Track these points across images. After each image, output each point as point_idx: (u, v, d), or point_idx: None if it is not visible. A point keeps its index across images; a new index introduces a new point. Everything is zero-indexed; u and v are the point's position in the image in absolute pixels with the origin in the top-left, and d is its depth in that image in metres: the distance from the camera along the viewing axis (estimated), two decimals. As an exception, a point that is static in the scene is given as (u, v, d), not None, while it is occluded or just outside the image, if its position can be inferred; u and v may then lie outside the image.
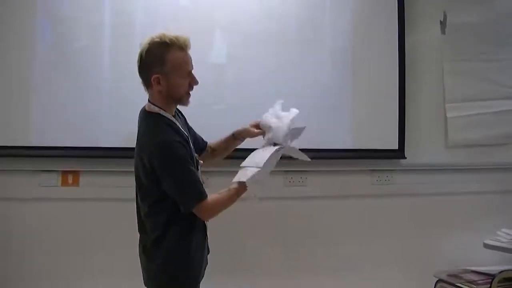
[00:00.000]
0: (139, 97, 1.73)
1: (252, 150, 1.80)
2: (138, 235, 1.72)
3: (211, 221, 1.78)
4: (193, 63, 1.68)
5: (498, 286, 2.43)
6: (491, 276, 2.46)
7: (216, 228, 1.85)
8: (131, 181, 1.71)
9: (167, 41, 1.61)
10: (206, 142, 1.95)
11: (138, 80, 1.69)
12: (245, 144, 1.94)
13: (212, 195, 1.63)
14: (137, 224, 1.72)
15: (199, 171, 1.73)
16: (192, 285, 1.70)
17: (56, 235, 2.46)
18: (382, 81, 2.74)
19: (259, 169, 1.64)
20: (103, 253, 2.48)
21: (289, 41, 2.62)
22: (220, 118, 2.45)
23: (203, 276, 1.76)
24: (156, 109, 1.65)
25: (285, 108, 1.88)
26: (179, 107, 1.76)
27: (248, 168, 1.67)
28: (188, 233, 1.66)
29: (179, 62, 1.63)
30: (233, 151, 1.99)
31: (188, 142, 1.66)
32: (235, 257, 2.58)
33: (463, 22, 2.86)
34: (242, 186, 1.66)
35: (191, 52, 1.67)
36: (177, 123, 1.68)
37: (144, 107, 1.70)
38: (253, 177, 1.63)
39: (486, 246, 2.64)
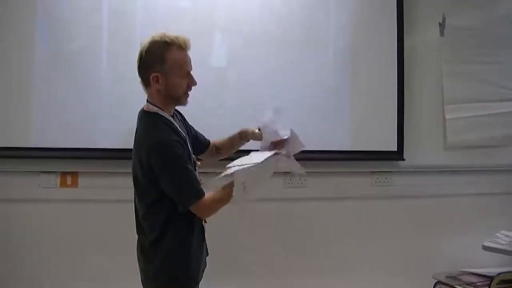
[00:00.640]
0: (138, 98, 1.73)
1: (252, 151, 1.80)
2: (137, 236, 1.72)
3: (210, 223, 1.78)
4: (192, 64, 1.69)
5: (497, 288, 2.44)
6: (490, 278, 2.46)
7: (215, 230, 1.85)
8: (130, 182, 1.71)
9: (168, 40, 1.62)
10: (209, 141, 1.95)
11: (137, 81, 1.69)
12: (247, 145, 1.94)
13: (209, 193, 1.63)
14: (135, 225, 1.72)
15: (197, 171, 1.73)
16: (191, 285, 1.70)
17: (55, 236, 2.46)
18: (381, 82, 2.75)
19: (253, 164, 1.59)
20: (101, 254, 2.48)
21: (288, 42, 2.63)
22: (220, 119, 2.47)
23: (202, 277, 1.76)
24: (154, 109, 1.66)
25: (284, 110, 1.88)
26: (179, 107, 1.77)
27: (245, 165, 1.61)
28: (187, 233, 1.66)
29: (179, 61, 1.64)
30: (235, 152, 1.99)
31: (185, 142, 1.66)
32: (234, 259, 2.58)
33: (462, 24, 2.87)
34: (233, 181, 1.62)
35: (191, 53, 1.68)
36: (175, 123, 1.69)
37: (143, 107, 1.70)
38: (242, 171, 1.58)
39: (485, 248, 2.64)
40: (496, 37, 2.92)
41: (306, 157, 1.86)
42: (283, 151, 1.70)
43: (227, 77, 2.58)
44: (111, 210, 2.45)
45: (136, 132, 1.69)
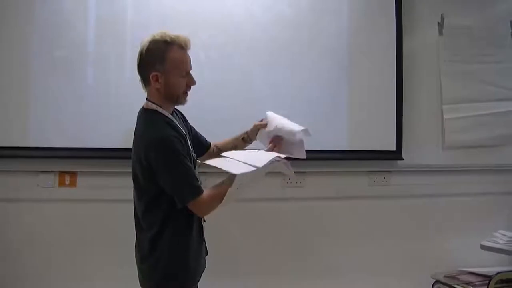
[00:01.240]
0: (136, 98, 1.73)
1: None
2: (135, 236, 1.72)
3: (208, 222, 1.78)
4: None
5: (495, 288, 2.44)
6: (488, 278, 2.46)
7: (213, 229, 1.85)
8: (128, 182, 1.71)
9: (168, 39, 1.62)
10: (210, 143, 1.95)
11: (136, 81, 1.69)
12: (251, 147, 1.93)
13: (206, 190, 1.63)
14: (134, 224, 1.72)
15: (197, 170, 1.73)
16: (189, 284, 1.70)
17: (54, 235, 2.46)
18: (379, 82, 2.75)
19: (254, 169, 1.57)
20: (100, 254, 2.47)
21: (286, 42, 2.63)
22: (219, 118, 2.46)
23: (200, 277, 1.76)
24: (153, 106, 1.66)
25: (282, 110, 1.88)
26: (179, 107, 1.77)
27: (244, 164, 1.61)
28: (185, 232, 1.66)
29: (179, 60, 1.64)
30: None
31: (185, 139, 1.66)
32: (231, 258, 2.58)
33: (460, 24, 2.88)
34: (232, 179, 1.60)
35: (190, 53, 1.68)
36: (175, 121, 1.69)
37: (142, 106, 1.70)
38: (245, 174, 1.56)
39: (483, 247, 2.64)
40: (495, 37, 2.93)
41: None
42: (282, 155, 1.68)
43: (224, 77, 2.56)
44: (109, 209, 2.45)
45: (135, 130, 1.68)
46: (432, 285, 2.66)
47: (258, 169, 1.57)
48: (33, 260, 2.45)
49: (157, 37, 1.63)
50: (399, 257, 2.82)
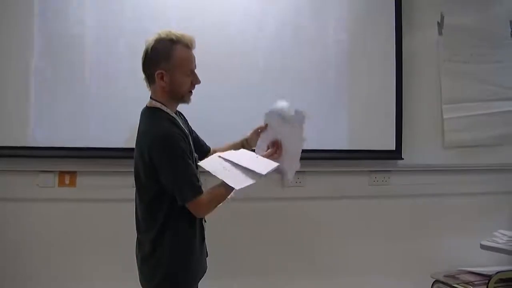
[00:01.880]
0: (137, 97, 1.73)
1: None
2: (135, 236, 1.72)
3: (208, 222, 1.78)
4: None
5: (495, 287, 2.43)
6: (488, 277, 2.46)
7: (213, 229, 1.85)
8: (128, 181, 1.71)
9: (174, 38, 1.63)
10: (209, 148, 1.94)
11: (136, 81, 1.69)
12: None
13: (205, 192, 1.62)
14: (134, 224, 1.72)
15: (198, 170, 1.73)
16: (190, 285, 1.70)
17: (53, 235, 2.46)
18: (379, 81, 2.75)
19: (253, 181, 1.60)
20: (100, 254, 2.47)
21: (286, 41, 2.63)
22: (219, 119, 2.46)
23: (201, 278, 1.76)
24: (157, 104, 1.66)
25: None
26: (179, 107, 1.77)
27: (242, 173, 1.62)
28: (187, 232, 1.66)
29: (184, 59, 1.65)
30: None
31: (188, 138, 1.67)
32: (231, 258, 2.58)
33: (460, 24, 2.88)
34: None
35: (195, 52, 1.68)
36: (178, 120, 1.69)
37: (146, 105, 1.70)
38: (251, 184, 1.60)
39: (483, 247, 2.64)
40: (494, 37, 2.93)
41: (304, 156, 1.85)
42: (283, 163, 1.72)
43: (226, 76, 2.56)
44: (109, 209, 2.45)
45: (138, 127, 1.68)
46: (432, 285, 2.66)
47: (261, 177, 1.60)
48: (33, 260, 2.44)
49: (162, 35, 1.63)
50: (398, 256, 2.82)
